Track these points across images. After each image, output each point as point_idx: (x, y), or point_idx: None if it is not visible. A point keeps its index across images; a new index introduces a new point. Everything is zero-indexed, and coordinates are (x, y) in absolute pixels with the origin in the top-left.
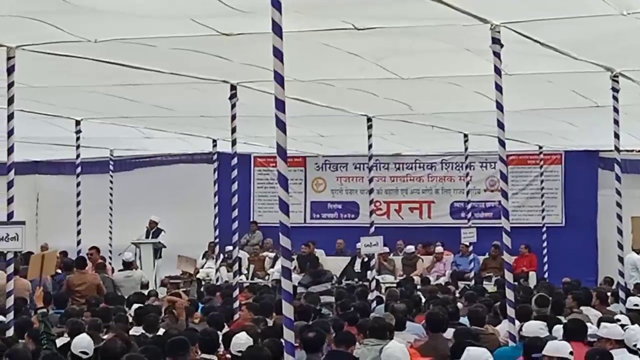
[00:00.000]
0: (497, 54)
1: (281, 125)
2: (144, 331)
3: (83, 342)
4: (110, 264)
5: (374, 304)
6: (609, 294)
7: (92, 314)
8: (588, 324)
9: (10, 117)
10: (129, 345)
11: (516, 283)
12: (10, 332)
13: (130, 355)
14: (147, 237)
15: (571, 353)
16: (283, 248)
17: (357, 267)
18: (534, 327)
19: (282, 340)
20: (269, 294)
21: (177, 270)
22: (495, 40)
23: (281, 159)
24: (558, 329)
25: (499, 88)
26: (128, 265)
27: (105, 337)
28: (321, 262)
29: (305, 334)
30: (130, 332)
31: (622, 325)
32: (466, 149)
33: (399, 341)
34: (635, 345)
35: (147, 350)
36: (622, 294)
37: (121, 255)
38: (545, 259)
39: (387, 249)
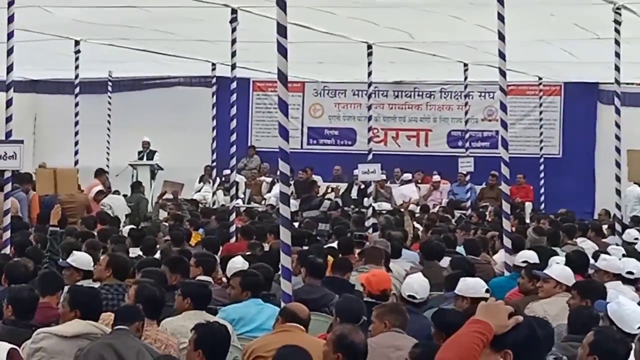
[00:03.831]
0: None
1: (282, 51)
2: (141, 253)
3: (81, 258)
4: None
5: (370, 231)
6: (605, 226)
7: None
8: None
9: (10, 35)
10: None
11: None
12: (6, 250)
13: (138, 280)
14: (140, 158)
15: (487, 291)
16: (282, 173)
17: (354, 194)
18: (527, 258)
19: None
20: (267, 219)
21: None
22: None
23: (282, 84)
24: (555, 261)
25: (501, 18)
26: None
27: (101, 257)
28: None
29: (314, 260)
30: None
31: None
32: (466, 78)
33: (396, 269)
34: (629, 273)
35: (150, 273)
36: (618, 227)
37: (118, 176)
38: (542, 190)
39: (384, 177)
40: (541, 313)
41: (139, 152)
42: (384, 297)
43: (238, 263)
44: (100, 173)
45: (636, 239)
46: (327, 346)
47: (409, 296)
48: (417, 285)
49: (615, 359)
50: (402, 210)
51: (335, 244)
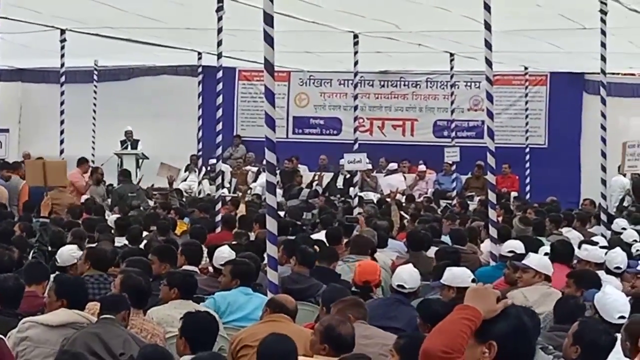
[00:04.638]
0: None
1: (269, 40)
2: (126, 242)
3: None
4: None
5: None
6: (592, 216)
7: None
8: None
9: None
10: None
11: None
12: None
13: (124, 269)
14: (124, 148)
15: (473, 280)
16: (268, 163)
17: (340, 183)
18: (513, 248)
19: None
20: (253, 208)
21: (158, 179)
22: None
23: (268, 73)
24: (542, 251)
25: (487, 8)
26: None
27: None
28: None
29: (305, 249)
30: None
31: (601, 247)
32: (452, 67)
33: (382, 258)
34: (617, 268)
35: (135, 263)
36: (603, 217)
37: (103, 166)
38: (528, 180)
39: (370, 166)
40: (521, 299)
41: (122, 142)
42: (366, 288)
43: (225, 252)
44: (82, 162)
45: (623, 228)
46: (314, 336)
47: (398, 286)
48: (406, 275)
49: (598, 350)
50: (388, 200)
51: (321, 234)
